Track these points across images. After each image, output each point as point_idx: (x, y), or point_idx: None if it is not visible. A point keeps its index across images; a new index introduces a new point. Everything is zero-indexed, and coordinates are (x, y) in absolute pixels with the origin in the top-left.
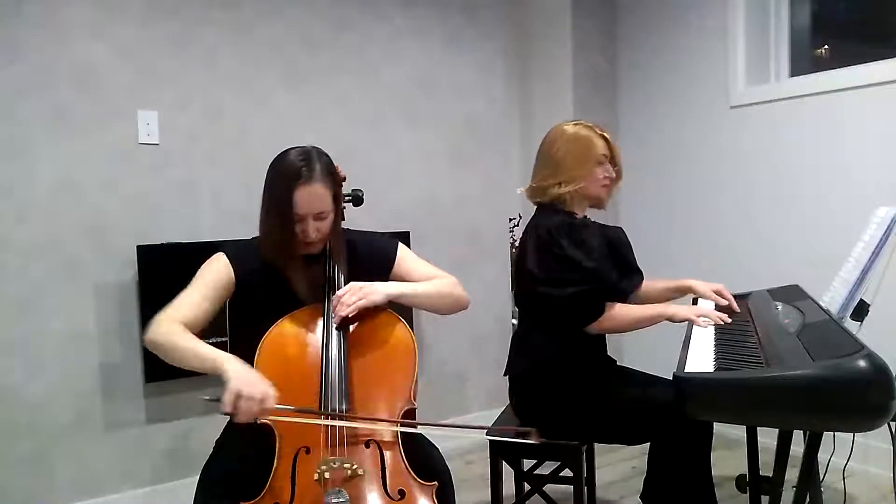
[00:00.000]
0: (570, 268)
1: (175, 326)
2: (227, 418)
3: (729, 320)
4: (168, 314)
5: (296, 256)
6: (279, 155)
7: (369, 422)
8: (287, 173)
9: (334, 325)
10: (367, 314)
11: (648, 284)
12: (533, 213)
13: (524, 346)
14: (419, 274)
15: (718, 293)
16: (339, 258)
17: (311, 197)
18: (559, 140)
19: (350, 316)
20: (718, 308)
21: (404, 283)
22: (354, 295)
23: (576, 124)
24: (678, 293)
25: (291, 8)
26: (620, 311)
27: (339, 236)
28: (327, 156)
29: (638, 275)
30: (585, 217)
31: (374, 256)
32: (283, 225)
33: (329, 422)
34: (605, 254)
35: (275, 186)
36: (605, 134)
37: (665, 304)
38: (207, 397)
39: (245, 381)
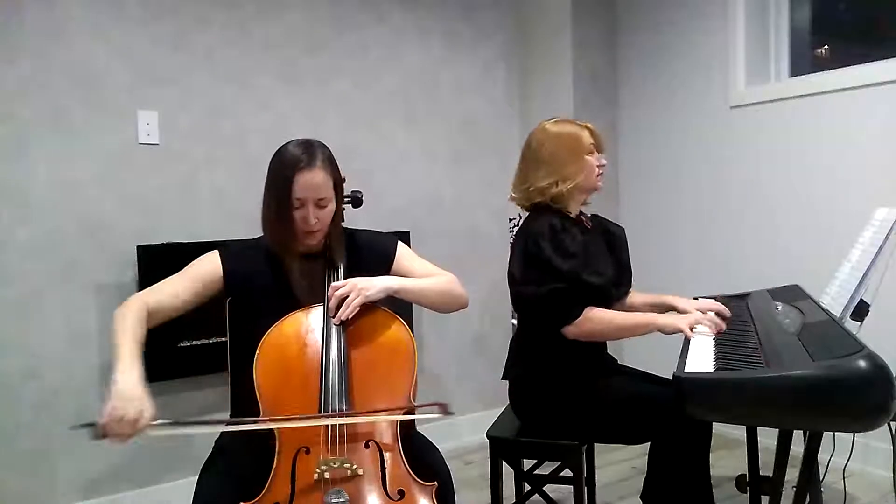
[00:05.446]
0: (544, 269)
1: (133, 309)
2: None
3: (724, 328)
4: (140, 295)
5: (295, 251)
6: (280, 147)
7: (265, 423)
8: (288, 160)
9: (334, 325)
10: (366, 314)
11: (632, 296)
12: (525, 216)
13: (520, 351)
14: (418, 271)
15: (700, 310)
16: (338, 257)
17: (312, 182)
18: (547, 140)
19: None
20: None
21: (403, 278)
22: (352, 293)
23: (556, 122)
24: (659, 309)
25: (291, 8)
26: (600, 314)
27: (339, 235)
28: (328, 148)
29: (627, 277)
30: (580, 214)
31: (373, 253)
32: (282, 210)
33: (195, 430)
34: (589, 257)
35: (276, 173)
36: (587, 125)
37: (654, 315)
38: (78, 425)
39: (123, 398)
